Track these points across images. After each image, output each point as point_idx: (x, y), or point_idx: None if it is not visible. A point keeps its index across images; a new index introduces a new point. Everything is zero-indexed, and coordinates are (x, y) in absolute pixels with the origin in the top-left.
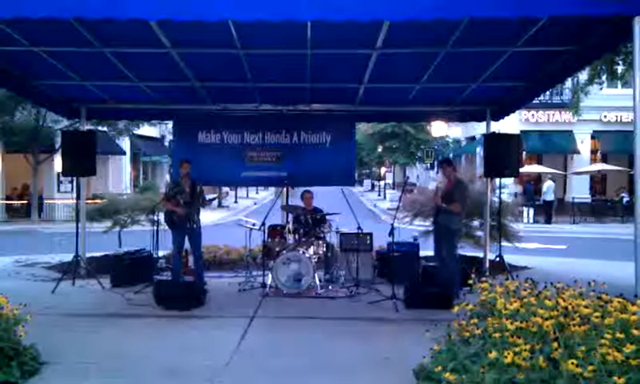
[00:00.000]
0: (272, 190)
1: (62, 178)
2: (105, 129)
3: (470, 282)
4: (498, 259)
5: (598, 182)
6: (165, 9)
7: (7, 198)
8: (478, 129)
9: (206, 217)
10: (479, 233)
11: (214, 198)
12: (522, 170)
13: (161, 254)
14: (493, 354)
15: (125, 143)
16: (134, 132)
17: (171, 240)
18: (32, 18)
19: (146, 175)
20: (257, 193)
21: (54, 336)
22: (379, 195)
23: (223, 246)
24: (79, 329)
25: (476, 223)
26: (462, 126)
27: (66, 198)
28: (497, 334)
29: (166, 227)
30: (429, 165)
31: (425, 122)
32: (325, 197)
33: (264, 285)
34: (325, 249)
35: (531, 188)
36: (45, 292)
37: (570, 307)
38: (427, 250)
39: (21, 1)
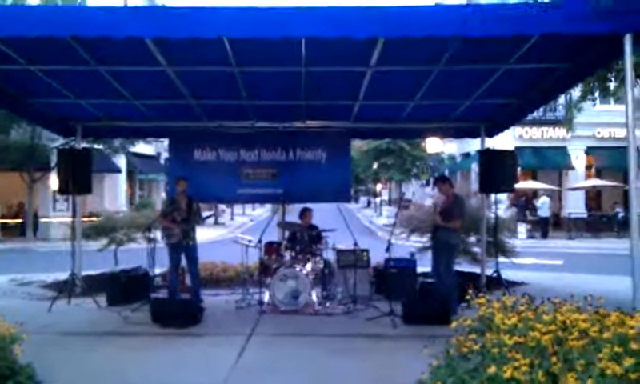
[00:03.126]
0: (268, 206)
1: (57, 197)
2: (100, 147)
3: (468, 297)
4: (495, 275)
5: (593, 197)
6: (161, 27)
7: (2, 217)
8: (473, 145)
9: (203, 234)
10: (476, 249)
11: (209, 216)
12: (517, 186)
13: (157, 271)
14: (492, 369)
15: (121, 161)
16: (130, 150)
17: (168, 257)
18: (29, 37)
19: (142, 193)
20: (253, 210)
21: (51, 355)
22: (375, 212)
23: (220, 264)
24: (75, 347)
25: (473, 239)
26: (456, 142)
27: (62, 216)
28: (495, 349)
29: (163, 245)
30: (424, 181)
31: (420, 138)
32: (321, 213)
33: (261, 302)
34: (322, 265)
35: (522, 204)
36: (41, 311)
37: (567, 321)
38: (424, 266)
39: (18, 20)
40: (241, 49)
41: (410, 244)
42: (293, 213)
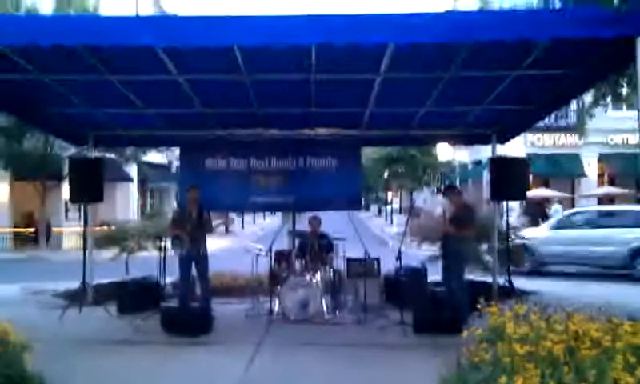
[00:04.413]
0: (279, 215)
1: (69, 206)
2: (112, 156)
3: (479, 306)
4: (507, 284)
5: (605, 205)
6: (172, 36)
7: (15, 226)
8: (484, 152)
9: (213, 243)
10: (487, 257)
11: (219, 224)
12: (529, 193)
13: (168, 280)
14: (503, 380)
15: (132, 170)
16: (142, 159)
17: (178, 266)
18: (41, 46)
19: (154, 202)
20: (264, 219)
21: (61, 363)
22: (386, 220)
23: (230, 273)
24: (86, 356)
25: (484, 247)
26: (468, 149)
27: (74, 225)
28: (507, 359)
29: (173, 253)
30: (435, 189)
31: (430, 145)
32: (331, 221)
33: (271, 311)
34: (332, 274)
35: (530, 212)
36: (52, 319)
37: (580, 331)
38: (435, 275)
39: (30, 29)
40: (251, 57)
41: (421, 253)
42: (304, 222)
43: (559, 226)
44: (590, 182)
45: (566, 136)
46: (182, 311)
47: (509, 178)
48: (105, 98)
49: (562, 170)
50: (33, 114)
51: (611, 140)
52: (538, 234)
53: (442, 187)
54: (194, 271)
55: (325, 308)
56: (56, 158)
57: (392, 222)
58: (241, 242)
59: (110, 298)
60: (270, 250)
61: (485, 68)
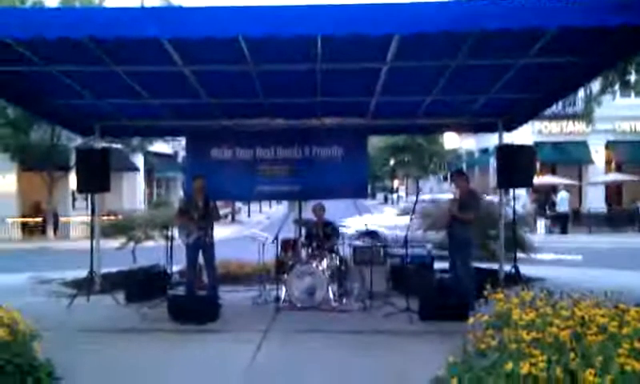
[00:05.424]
0: (285, 203)
1: (76, 196)
2: (119, 146)
3: (485, 292)
4: (513, 271)
5: (613, 192)
6: (177, 27)
7: (23, 216)
8: (492, 140)
9: (220, 231)
10: (494, 245)
11: (227, 214)
12: (536, 181)
13: (175, 268)
14: (509, 366)
15: (139, 160)
16: (148, 149)
17: (185, 255)
18: (47, 39)
19: (160, 191)
20: (270, 207)
21: (69, 352)
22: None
23: (236, 261)
24: (94, 344)
25: (491, 234)
26: (475, 137)
27: (81, 215)
28: (513, 345)
29: (180, 242)
30: (442, 177)
31: (437, 134)
32: (338, 209)
33: (277, 299)
34: (338, 262)
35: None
36: (60, 308)
37: (586, 317)
38: (441, 262)
39: (36, 22)
40: (257, 47)
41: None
42: (310, 210)
43: (404, 212)
44: (598, 168)
45: (573, 123)
46: (189, 299)
47: (515, 166)
48: (111, 89)
49: (570, 158)
50: (39, 105)
51: (619, 127)
52: (385, 221)
53: (449, 174)
54: (200, 259)
55: (331, 295)
56: (63, 149)
57: None
58: (247, 230)
59: (118, 287)
60: (277, 238)
61: (492, 56)
